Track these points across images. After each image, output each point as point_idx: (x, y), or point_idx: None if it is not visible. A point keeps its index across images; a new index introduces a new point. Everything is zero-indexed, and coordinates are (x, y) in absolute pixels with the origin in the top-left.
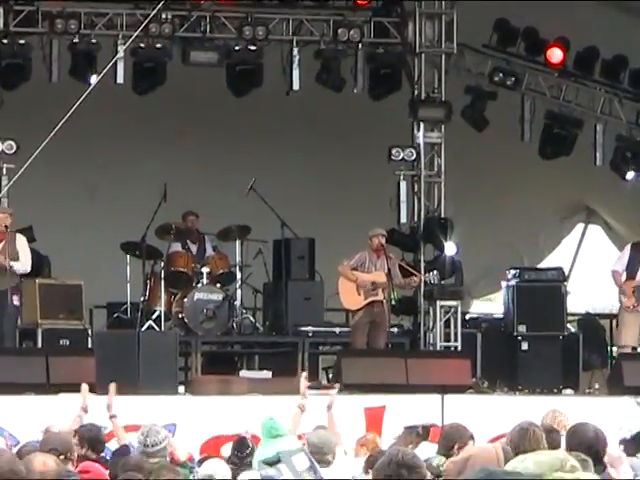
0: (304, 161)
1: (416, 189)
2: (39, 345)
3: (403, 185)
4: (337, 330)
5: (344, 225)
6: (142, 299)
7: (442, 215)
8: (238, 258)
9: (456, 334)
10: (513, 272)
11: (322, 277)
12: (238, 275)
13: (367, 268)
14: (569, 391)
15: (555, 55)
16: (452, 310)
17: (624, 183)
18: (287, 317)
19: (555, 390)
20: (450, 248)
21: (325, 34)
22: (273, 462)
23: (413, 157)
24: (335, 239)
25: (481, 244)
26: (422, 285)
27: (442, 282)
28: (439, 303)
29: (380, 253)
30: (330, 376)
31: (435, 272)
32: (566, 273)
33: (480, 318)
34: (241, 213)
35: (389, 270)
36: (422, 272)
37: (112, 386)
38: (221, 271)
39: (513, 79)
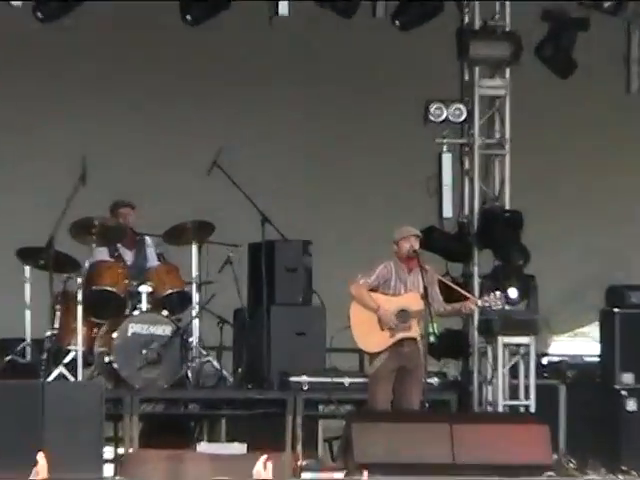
0: (296, 123)
1: (467, 166)
2: None
3: (447, 160)
4: (346, 381)
5: (357, 222)
6: (49, 333)
7: (507, 205)
8: (195, 271)
9: (528, 388)
10: (613, 294)
11: (323, 301)
12: (195, 297)
13: (393, 288)
14: None
15: None
16: (522, 351)
17: None
18: (270, 361)
19: None
20: (519, 256)
21: None
22: None
23: (462, 117)
24: (343, 243)
25: (564, 252)
26: (476, 313)
27: (507, 308)
28: (502, 340)
29: (413, 265)
30: (335, 451)
31: (497, 293)
32: None
33: (564, 363)
34: (201, 203)
35: (426, 290)
36: (476, 293)
37: None
38: (169, 291)
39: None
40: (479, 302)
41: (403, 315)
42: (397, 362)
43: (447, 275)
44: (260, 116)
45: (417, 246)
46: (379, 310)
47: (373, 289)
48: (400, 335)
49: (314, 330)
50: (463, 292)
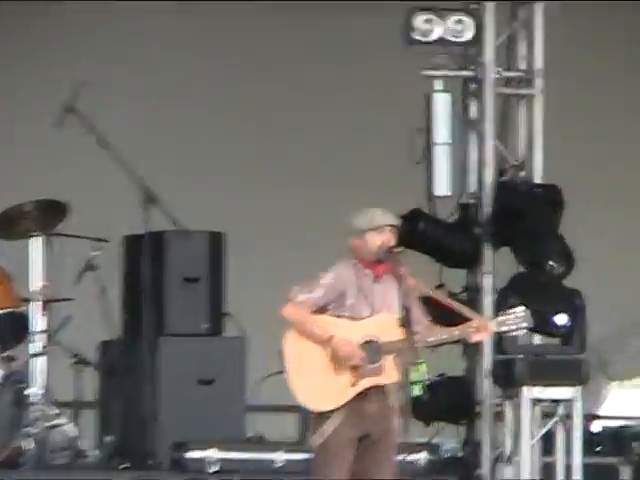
0: (210, 42)
1: (474, 114)
2: None
3: (442, 104)
4: (279, 458)
5: (297, 207)
6: None
7: (538, 177)
8: (38, 282)
9: (570, 469)
10: None
11: (244, 328)
12: (37, 322)
13: (352, 307)
14: None
15: None
16: (562, 411)
17: None
18: (157, 426)
19: None
20: (558, 258)
21: None
22: None
23: (467, 35)
24: (275, 238)
25: (621, 257)
26: (487, 345)
27: (534, 339)
28: (530, 393)
29: (383, 270)
30: None
31: (520, 310)
32: None
33: (628, 430)
34: (47, 176)
35: (407, 311)
36: (484, 314)
37: None
38: None
39: None
40: (492, 325)
41: (370, 350)
42: (360, 427)
43: (441, 288)
44: (145, 37)
45: (393, 242)
46: (333, 341)
47: (320, 309)
48: (366, 383)
49: (227, 376)
50: (466, 312)
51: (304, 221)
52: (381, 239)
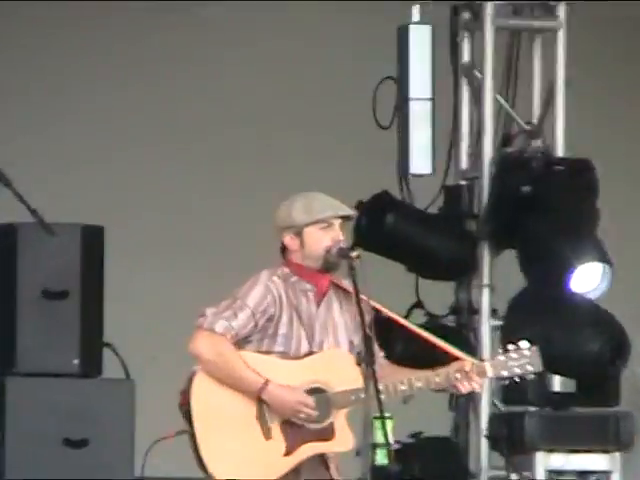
0: None
1: (466, 57)
2: None
3: (420, 40)
4: None
5: (205, 188)
6: None
7: (559, 149)
8: None
9: None
10: None
11: (127, 369)
12: None
13: (287, 340)
14: None
15: None
16: None
17: None
18: None
19: None
20: (604, 258)
21: None
22: None
23: None
24: (175, 230)
25: None
26: (485, 393)
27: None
28: (543, 461)
29: (327, 285)
30: None
31: (526, 348)
32: None
33: None
34: None
35: (368, 342)
36: (485, 350)
37: None
38: None
39: None
40: (488, 368)
41: (317, 403)
42: None
43: (416, 309)
44: None
45: (345, 243)
46: (267, 389)
47: (242, 341)
48: (308, 450)
49: (108, 436)
50: (450, 349)
51: (214, 213)
52: (328, 238)
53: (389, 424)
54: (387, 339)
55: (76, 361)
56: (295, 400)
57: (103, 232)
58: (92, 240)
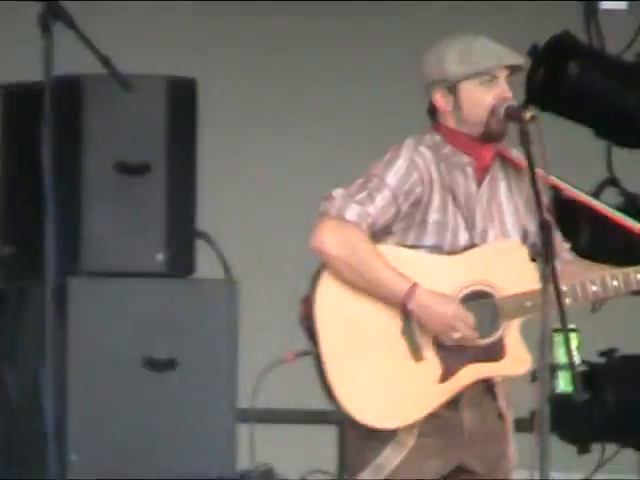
0: None
1: None
2: None
3: None
4: None
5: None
6: None
7: None
8: None
9: None
10: None
11: (230, 271)
12: None
13: (441, 230)
14: None
15: None
16: None
17: None
18: (63, 444)
19: None
20: None
21: None
22: None
23: None
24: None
25: None
26: None
27: None
28: None
29: (495, 155)
30: None
31: None
32: None
33: None
34: None
35: (546, 231)
36: None
37: None
38: None
39: None
40: None
41: (480, 312)
42: (450, 456)
43: (609, 186)
44: None
45: (515, 101)
46: (415, 295)
47: (375, 234)
48: (472, 374)
49: (203, 353)
50: None
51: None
52: (492, 95)
53: (574, 339)
54: (571, 226)
55: (160, 256)
56: (447, 312)
57: (196, 86)
58: (182, 97)
